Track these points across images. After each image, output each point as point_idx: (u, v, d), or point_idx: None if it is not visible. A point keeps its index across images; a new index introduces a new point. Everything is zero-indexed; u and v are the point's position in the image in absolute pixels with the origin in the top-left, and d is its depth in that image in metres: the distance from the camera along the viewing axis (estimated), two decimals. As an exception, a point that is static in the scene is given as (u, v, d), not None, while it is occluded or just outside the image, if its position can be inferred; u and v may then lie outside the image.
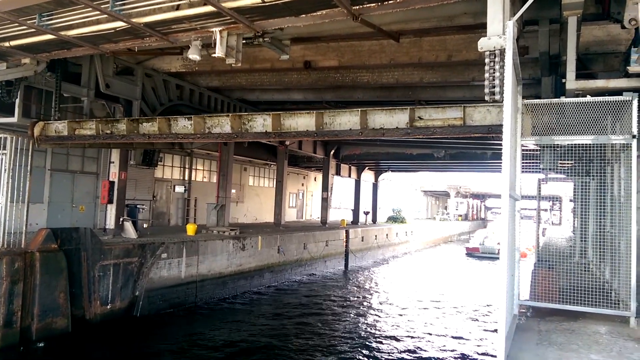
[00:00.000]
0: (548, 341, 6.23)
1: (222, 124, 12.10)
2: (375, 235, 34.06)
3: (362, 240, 31.66)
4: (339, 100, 18.83)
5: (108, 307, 14.03)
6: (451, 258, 38.77)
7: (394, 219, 44.31)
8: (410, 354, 12.55)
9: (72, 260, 13.09)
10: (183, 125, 12.57)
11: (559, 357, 5.50)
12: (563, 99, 6.95)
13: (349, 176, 36.58)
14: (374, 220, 40.05)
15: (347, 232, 29.23)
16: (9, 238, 12.14)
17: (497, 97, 6.25)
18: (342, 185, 42.82)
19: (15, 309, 11.53)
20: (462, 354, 12.81)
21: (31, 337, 11.75)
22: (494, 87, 6.25)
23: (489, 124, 9.72)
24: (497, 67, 6.17)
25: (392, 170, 41.99)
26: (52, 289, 12.31)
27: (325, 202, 31.73)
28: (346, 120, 10.90)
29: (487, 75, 6.28)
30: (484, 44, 6.25)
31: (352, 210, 38.34)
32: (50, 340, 11.81)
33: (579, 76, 8.09)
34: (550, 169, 9.38)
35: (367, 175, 39.48)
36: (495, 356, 5.17)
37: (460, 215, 71.36)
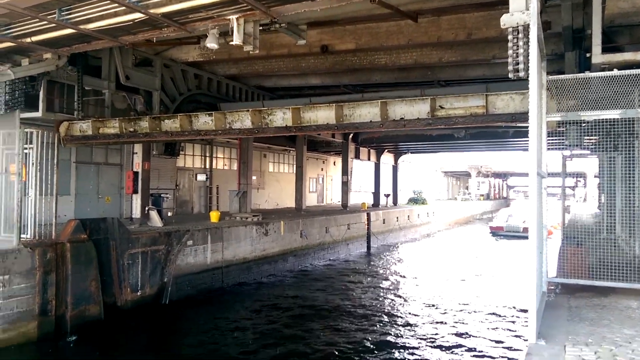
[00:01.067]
0: (579, 317, 6.22)
1: (243, 119, 12.14)
2: (397, 217, 34.01)
3: (384, 223, 31.66)
4: (357, 83, 18.76)
5: (138, 293, 14.36)
6: (475, 237, 38.54)
7: (415, 201, 44.15)
8: (440, 333, 12.58)
9: (102, 250, 13.39)
10: (204, 121, 12.67)
11: (591, 333, 5.49)
12: (589, 74, 6.81)
13: (369, 159, 36.46)
14: (395, 203, 39.95)
15: (368, 215, 29.25)
16: (39, 230, 12.46)
17: (522, 74, 6.15)
18: (362, 168, 42.74)
19: (49, 298, 11.86)
20: (493, 332, 12.78)
21: (66, 325, 12.08)
22: (517, 63, 6.15)
23: (513, 112, 9.51)
24: (520, 43, 6.07)
25: (411, 152, 41.71)
26: (83, 278, 12.63)
27: (345, 186, 31.73)
28: (366, 112, 10.82)
29: (510, 52, 6.17)
30: (506, 21, 6.14)
31: (372, 193, 38.29)
32: (84, 327, 12.15)
33: (605, 50, 7.92)
34: (576, 145, 9.24)
35: (387, 158, 39.29)
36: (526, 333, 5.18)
37: (482, 195, 70.68)
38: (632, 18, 10.83)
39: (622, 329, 5.69)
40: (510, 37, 6.19)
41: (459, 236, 39.82)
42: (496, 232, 38.64)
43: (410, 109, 10.41)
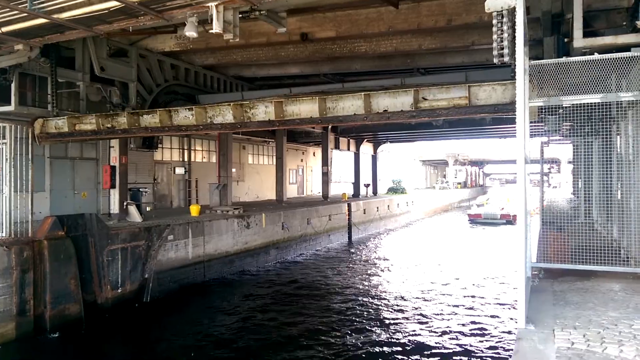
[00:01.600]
0: (564, 301, 6.28)
1: (224, 113, 11.90)
2: (377, 207, 34.17)
3: (364, 213, 31.78)
4: (337, 72, 18.65)
5: (119, 291, 14.11)
6: (453, 225, 39.03)
7: (394, 190, 44.40)
8: (426, 323, 12.66)
9: (80, 247, 13.08)
10: (184, 116, 12.38)
11: (578, 316, 5.55)
12: (571, 58, 6.83)
13: (348, 149, 36.48)
14: (375, 192, 40.13)
15: (349, 206, 29.30)
16: (15, 228, 12.12)
17: (506, 58, 6.14)
18: (342, 158, 42.77)
19: (27, 298, 11.57)
20: (478, 318, 12.91)
21: (45, 324, 11.81)
22: (502, 48, 6.12)
23: (495, 103, 9.52)
24: (505, 27, 6.03)
25: (390, 142, 41.87)
26: (62, 276, 12.33)
27: (325, 177, 31.69)
28: (349, 104, 10.71)
29: (495, 37, 6.14)
30: (491, 4, 6.08)
31: (352, 183, 38.36)
32: (64, 327, 11.89)
33: (585, 34, 7.96)
34: (554, 131, 9.32)
35: (366, 148, 39.37)
36: (515, 318, 5.20)
37: (460, 183, 71.56)
38: (609, 2, 10.96)
39: (607, 311, 5.77)
40: (494, 21, 6.14)
41: (439, 225, 40.26)
42: (474, 220, 39.19)
43: (394, 101, 10.34)
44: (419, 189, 59.01)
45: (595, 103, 7.17)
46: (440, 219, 44.86)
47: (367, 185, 38.36)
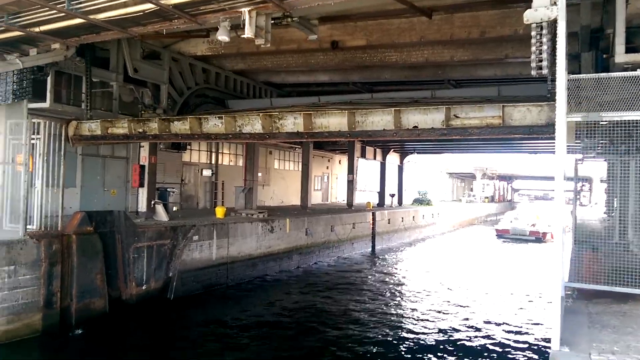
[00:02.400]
0: (600, 324, 6.04)
1: (253, 122, 11.86)
2: (402, 218, 33.81)
3: (389, 223, 31.47)
4: (366, 81, 18.59)
5: (143, 287, 14.26)
6: (480, 240, 38.31)
7: (420, 201, 43.93)
8: (454, 341, 12.31)
9: (107, 243, 13.28)
10: (214, 124, 12.42)
11: (616, 341, 5.32)
12: (612, 74, 6.61)
13: (374, 159, 36.27)
14: (400, 203, 39.77)
15: (373, 215, 29.06)
16: (45, 221, 12.37)
17: (545, 71, 6.00)
18: (367, 167, 42.54)
19: (54, 290, 11.77)
20: (509, 337, 12.50)
21: (71, 317, 11.99)
22: (541, 60, 5.99)
23: (530, 124, 9.14)
24: (544, 39, 5.91)
25: (417, 152, 41.45)
26: (89, 271, 12.52)
27: (351, 185, 31.54)
28: (379, 119, 10.52)
29: (533, 48, 6.01)
30: (530, 16, 5.96)
31: (377, 192, 38.10)
32: (89, 321, 12.05)
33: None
34: (590, 148, 9.03)
35: (393, 158, 39.09)
36: (547, 339, 5.01)
37: (487, 197, 70.35)
38: (651, 18, 10.64)
39: (646, 336, 5.51)
40: (533, 33, 6.02)
41: (465, 238, 39.59)
42: (502, 235, 38.39)
43: (424, 117, 10.07)
44: (444, 201, 58.26)
45: (635, 121, 6.93)
46: (465, 233, 44.15)
47: (392, 195, 38.04)
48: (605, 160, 10.95)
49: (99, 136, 14.01)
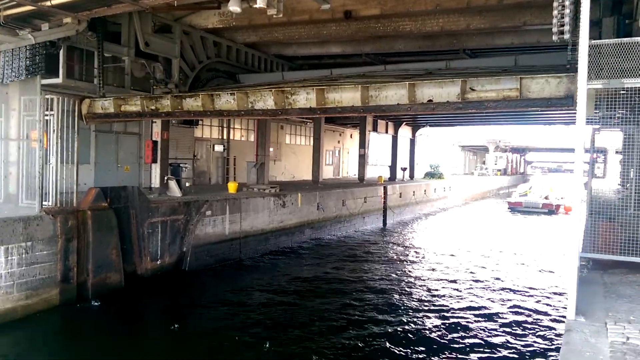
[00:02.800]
0: (616, 294, 6.00)
1: (265, 98, 11.68)
2: (413, 192, 33.72)
3: (400, 197, 31.40)
4: (379, 52, 18.28)
5: (158, 262, 14.44)
6: (492, 213, 38.15)
7: (432, 175, 43.68)
8: (469, 310, 12.39)
9: (122, 218, 13.41)
10: (226, 100, 12.25)
11: (631, 310, 5.28)
12: (637, 38, 6.38)
13: (386, 132, 36.00)
14: (412, 177, 39.60)
15: (385, 189, 29.00)
16: (60, 197, 12.48)
17: (567, 36, 5.82)
18: (379, 141, 42.27)
19: (71, 265, 11.95)
20: (524, 307, 12.56)
21: (87, 292, 12.20)
22: (562, 25, 5.80)
23: (548, 97, 8.82)
24: (567, 3, 5.71)
25: (430, 125, 41.06)
26: (104, 246, 12.69)
27: (362, 159, 31.42)
28: (392, 93, 10.27)
29: (555, 12, 5.83)
30: (552, -22, 5.75)
31: (389, 166, 37.93)
32: (105, 295, 12.26)
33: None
34: (609, 117, 8.82)
35: (405, 131, 38.76)
36: (563, 309, 4.98)
37: (499, 170, 69.73)
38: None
39: (664, 306, 5.46)
40: (556, -4, 5.81)
41: (477, 211, 39.46)
42: (515, 208, 38.18)
43: (439, 90, 9.82)
44: (456, 174, 57.86)
45: None
46: (478, 206, 43.96)
47: (404, 169, 37.85)
48: (621, 131, 10.74)
49: (112, 114, 14.01)
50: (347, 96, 10.78)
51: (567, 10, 5.67)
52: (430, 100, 9.93)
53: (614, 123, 9.70)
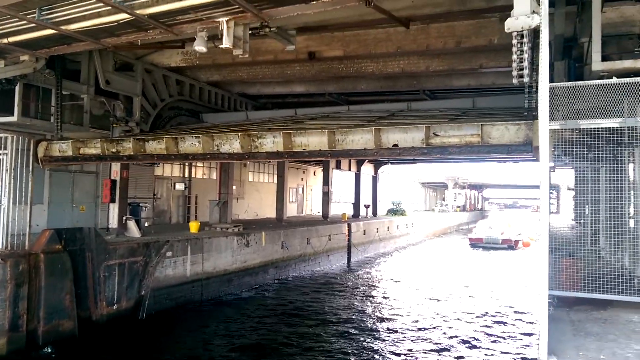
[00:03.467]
0: (584, 332, 6.05)
1: (231, 142, 11.60)
2: (377, 228, 33.88)
3: (364, 234, 31.46)
4: (342, 92, 18.60)
5: (114, 307, 13.76)
6: (454, 249, 38.66)
7: (394, 212, 44.13)
8: (438, 352, 12.25)
9: (77, 261, 12.79)
10: (191, 143, 12.11)
11: (600, 348, 5.31)
12: (592, 81, 6.70)
13: (349, 170, 36.31)
14: (375, 213, 39.86)
15: (349, 226, 29.01)
16: (11, 240, 11.86)
17: (526, 79, 6.03)
18: (342, 178, 42.56)
19: (20, 312, 11.24)
20: (491, 348, 12.48)
21: (38, 340, 11.48)
22: (522, 69, 6.01)
23: (508, 143, 9.18)
24: (525, 48, 5.93)
25: (391, 163, 41.66)
26: (57, 291, 12.02)
27: (326, 197, 31.48)
28: (359, 138, 10.45)
29: (514, 57, 6.03)
30: (511, 24, 5.98)
31: (352, 203, 38.10)
32: (57, 343, 11.53)
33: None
34: (564, 156, 9.13)
35: (367, 168, 39.22)
36: (532, 347, 4.96)
37: (459, 207, 71.33)
38: (620, 28, 10.94)
39: (630, 344, 5.53)
40: (514, 41, 6.04)
41: (439, 247, 39.90)
42: (476, 244, 38.86)
43: (404, 135, 10.04)
44: (418, 211, 58.77)
45: (604, 129, 7.02)
46: (440, 242, 44.53)
47: (367, 206, 38.09)
48: (573, 168, 11.17)
49: (70, 157, 13.59)
50: (314, 140, 10.82)
51: (525, 55, 5.89)
52: (395, 145, 10.09)
53: (568, 161, 10.08)
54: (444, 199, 74.21)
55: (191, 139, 12.09)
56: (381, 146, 10.12)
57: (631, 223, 8.69)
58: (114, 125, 16.78)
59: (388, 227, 36.19)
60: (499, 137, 9.27)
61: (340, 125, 11.84)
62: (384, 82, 16.99)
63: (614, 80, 6.79)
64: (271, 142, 11.17)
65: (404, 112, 14.72)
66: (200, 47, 9.58)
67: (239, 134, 11.48)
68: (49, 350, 11.28)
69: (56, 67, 13.73)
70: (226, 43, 9.04)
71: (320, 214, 32.61)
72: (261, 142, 11.29)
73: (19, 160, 11.95)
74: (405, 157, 10.49)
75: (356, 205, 37.23)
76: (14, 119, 13.68)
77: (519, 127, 9.03)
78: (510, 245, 36.97)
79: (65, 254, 12.43)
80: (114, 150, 13.04)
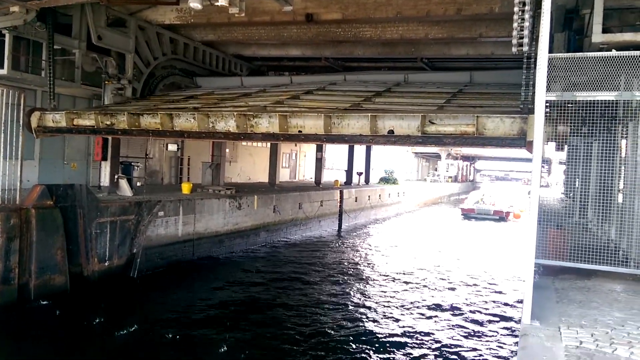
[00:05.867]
0: (567, 299, 6.20)
1: (227, 119, 11.49)
2: (369, 196, 34.06)
3: (356, 201, 31.65)
4: (339, 56, 18.37)
5: (106, 264, 13.87)
6: (445, 218, 39.07)
7: (386, 180, 44.27)
8: (419, 318, 12.50)
9: (68, 217, 12.80)
10: (186, 119, 12.00)
11: (583, 315, 5.46)
12: (589, 53, 6.66)
13: (343, 136, 36.16)
14: (367, 181, 39.97)
15: (341, 192, 29.13)
16: (2, 195, 11.82)
17: (525, 48, 5.98)
18: (336, 146, 42.44)
19: (12, 266, 11.30)
20: (479, 313, 12.70)
21: (29, 294, 11.59)
22: (522, 37, 5.96)
23: (503, 136, 9.23)
24: (526, 16, 5.87)
25: (386, 131, 41.57)
26: (49, 246, 12.07)
27: (319, 163, 31.46)
28: (354, 122, 10.41)
29: (515, 25, 5.99)
30: (513, -8, 5.90)
31: (345, 171, 38.12)
32: (49, 298, 11.65)
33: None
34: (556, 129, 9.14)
35: (361, 136, 39.07)
36: (516, 313, 5.08)
37: (450, 177, 71.61)
38: (622, 1, 10.80)
39: (612, 311, 5.69)
40: (515, 9, 5.97)
41: (430, 216, 40.30)
42: (468, 214, 39.23)
43: (400, 122, 10.01)
44: (410, 180, 58.99)
45: (599, 102, 7.02)
46: (431, 211, 44.93)
47: (359, 174, 38.15)
48: (565, 143, 11.22)
49: (64, 129, 13.49)
50: (310, 123, 10.78)
51: (526, 24, 5.83)
52: (391, 131, 10.06)
53: (561, 135, 10.11)
54: (436, 169, 74.45)
55: (186, 115, 12.01)
56: (377, 132, 10.12)
57: (620, 197, 8.82)
58: (106, 82, 16.52)
59: (380, 195, 36.40)
60: (494, 128, 9.30)
61: (337, 105, 11.78)
62: (381, 49, 16.77)
63: (613, 52, 6.76)
64: (267, 123, 11.14)
65: (401, 86, 14.59)
66: (195, 3, 9.38)
67: (235, 113, 11.41)
68: (41, 302, 11.37)
69: (47, 20, 13.37)
70: (222, 0, 8.85)
71: (313, 180, 32.67)
72: (257, 121, 11.24)
73: (9, 115, 11.77)
74: (400, 145, 10.51)
75: (349, 172, 37.25)
76: (4, 72, 13.38)
77: (513, 120, 9.06)
78: (502, 216, 37.46)
79: (56, 210, 12.42)
80: (107, 122, 12.93)
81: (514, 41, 6.04)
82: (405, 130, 9.97)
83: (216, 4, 9.06)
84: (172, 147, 24.62)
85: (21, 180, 12.28)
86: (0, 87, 12.03)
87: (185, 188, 18.88)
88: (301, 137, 11.12)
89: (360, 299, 13.80)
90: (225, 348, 9.59)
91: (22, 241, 11.55)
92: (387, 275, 16.87)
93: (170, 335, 10.18)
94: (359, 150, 40.00)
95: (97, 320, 10.93)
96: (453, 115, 9.74)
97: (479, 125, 9.34)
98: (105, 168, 17.21)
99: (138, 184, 19.36)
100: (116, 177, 16.71)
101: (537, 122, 5.04)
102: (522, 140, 8.97)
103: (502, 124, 9.21)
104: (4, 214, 11.18)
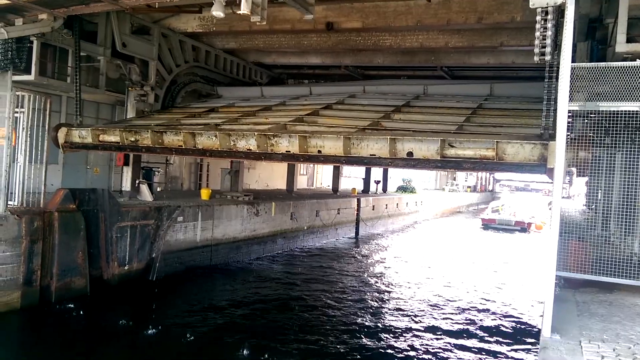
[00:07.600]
0: (589, 312, 6.09)
1: (248, 138, 11.66)
2: (386, 205, 33.92)
3: (373, 209, 31.55)
4: (358, 65, 18.41)
5: (125, 268, 14.06)
6: (464, 229, 38.63)
7: (404, 189, 44.04)
8: (442, 327, 12.37)
9: (90, 221, 13.03)
10: (207, 137, 12.16)
11: (604, 329, 5.36)
12: (615, 63, 6.57)
13: (361, 144, 36.11)
14: (385, 190, 39.80)
15: (358, 201, 29.07)
16: (27, 198, 12.08)
17: (547, 57, 5.93)
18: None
19: (35, 268, 11.53)
20: (496, 324, 12.57)
21: (50, 296, 11.80)
22: (544, 47, 5.91)
23: (522, 162, 9.07)
24: (549, 25, 5.83)
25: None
26: (70, 249, 12.29)
27: (337, 170, 31.47)
28: (373, 144, 10.40)
29: (537, 34, 5.93)
30: (536, 0, 5.87)
31: (362, 179, 38.03)
32: (69, 300, 11.84)
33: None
34: (580, 139, 9.01)
35: (379, 144, 38.96)
36: (537, 327, 5.01)
37: (469, 187, 70.94)
38: (648, 11, 10.66)
39: (635, 326, 5.58)
40: (538, 18, 5.93)
41: (449, 227, 39.88)
42: (488, 225, 38.73)
43: (420, 144, 9.96)
44: (428, 189, 58.56)
45: (622, 113, 6.89)
46: (449, 221, 44.50)
47: (377, 182, 38.02)
48: (588, 154, 11.04)
49: (90, 145, 13.78)
50: (329, 144, 10.78)
51: (549, 33, 5.78)
52: (410, 153, 9.96)
53: (583, 146, 9.95)
54: (454, 179, 73.81)
55: (208, 133, 12.16)
56: (396, 154, 10.05)
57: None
58: (129, 89, 16.83)
59: (397, 204, 36.22)
60: (514, 154, 9.13)
61: (356, 123, 11.83)
62: (401, 57, 16.76)
63: (638, 62, 6.66)
64: (287, 142, 11.17)
65: (420, 99, 14.48)
66: (217, 12, 9.48)
67: (256, 133, 11.53)
68: (60, 308, 11.55)
69: (74, 27, 13.70)
70: (244, 9, 8.94)
71: (330, 187, 32.68)
72: (277, 140, 11.31)
73: (35, 119, 12.06)
74: (420, 169, 10.47)
75: (366, 180, 37.14)
76: (31, 77, 13.73)
77: (534, 146, 8.88)
78: (523, 227, 36.88)
79: (78, 214, 12.65)
80: (132, 139, 13.11)
81: (536, 50, 5.99)
82: (424, 153, 9.90)
83: (238, 12, 9.14)
84: (192, 153, 24.88)
85: (45, 184, 12.53)
86: (27, 93, 12.33)
87: (204, 194, 19.05)
88: (320, 159, 11.16)
89: (377, 310, 13.72)
90: (247, 352, 9.63)
91: (44, 244, 11.78)
92: (404, 286, 16.75)
93: (191, 337, 10.29)
94: (377, 158, 39.85)
95: (122, 322, 11.10)
96: (472, 139, 9.64)
97: (499, 150, 9.21)
98: (127, 173, 17.49)
99: (158, 189, 19.63)
100: (137, 182, 16.96)
101: (558, 149, 5.00)
102: (542, 166, 8.79)
103: (522, 149, 9.05)
104: (28, 217, 11.42)
